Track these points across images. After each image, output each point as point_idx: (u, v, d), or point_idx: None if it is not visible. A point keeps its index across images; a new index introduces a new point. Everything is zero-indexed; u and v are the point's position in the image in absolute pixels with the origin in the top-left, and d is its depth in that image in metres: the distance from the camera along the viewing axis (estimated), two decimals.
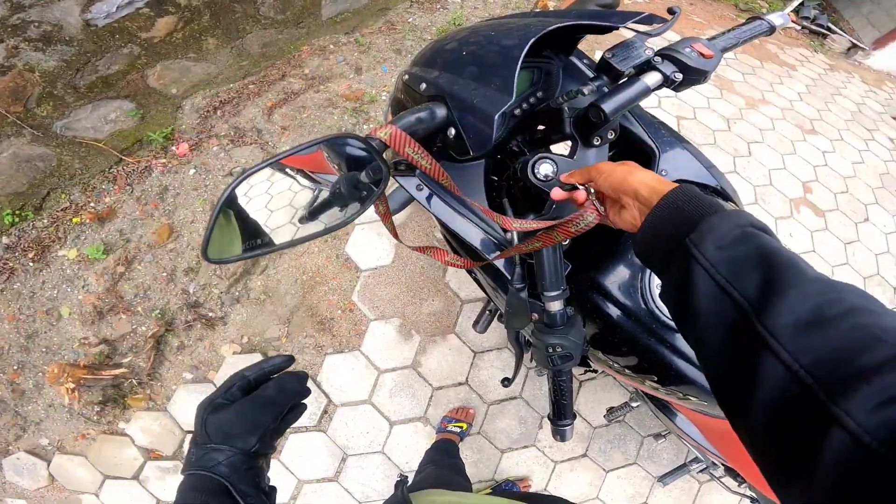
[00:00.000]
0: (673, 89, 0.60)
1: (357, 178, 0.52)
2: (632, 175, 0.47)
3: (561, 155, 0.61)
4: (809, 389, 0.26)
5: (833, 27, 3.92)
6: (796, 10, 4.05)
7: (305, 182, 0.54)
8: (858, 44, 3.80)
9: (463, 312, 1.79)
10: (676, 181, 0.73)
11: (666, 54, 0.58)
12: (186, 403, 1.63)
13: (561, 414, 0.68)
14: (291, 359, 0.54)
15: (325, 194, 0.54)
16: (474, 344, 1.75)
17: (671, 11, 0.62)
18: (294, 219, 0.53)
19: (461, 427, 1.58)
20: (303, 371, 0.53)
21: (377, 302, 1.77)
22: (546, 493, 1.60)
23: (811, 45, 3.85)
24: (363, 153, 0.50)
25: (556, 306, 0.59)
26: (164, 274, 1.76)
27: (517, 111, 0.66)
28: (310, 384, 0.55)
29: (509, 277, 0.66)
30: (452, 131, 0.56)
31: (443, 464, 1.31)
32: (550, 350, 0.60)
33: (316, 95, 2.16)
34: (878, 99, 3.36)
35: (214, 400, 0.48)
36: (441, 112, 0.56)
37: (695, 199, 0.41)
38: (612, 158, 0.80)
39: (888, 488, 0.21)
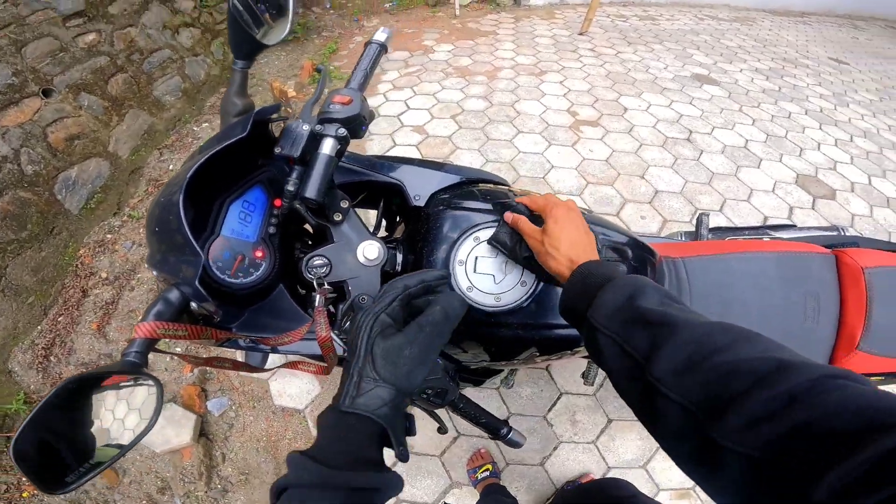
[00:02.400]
0: (358, 138, 0.62)
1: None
2: (567, 245, 0.54)
3: (326, 244, 0.65)
4: (695, 418, 0.32)
5: None
6: None
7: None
8: None
9: None
10: (457, 192, 0.72)
11: (323, 119, 0.59)
12: None
13: (495, 429, 0.68)
14: (449, 275, 0.55)
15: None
16: None
17: (317, 70, 0.65)
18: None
19: (489, 469, 1.50)
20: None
21: None
22: (606, 478, 1.55)
23: (491, 8, 4.57)
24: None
25: None
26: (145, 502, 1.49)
27: (271, 229, 0.65)
28: None
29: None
30: (194, 306, 0.52)
31: None
32: (424, 396, 0.59)
33: (132, 294, 1.86)
34: (560, 26, 4.15)
35: (379, 315, 0.43)
36: (174, 295, 0.51)
37: (590, 275, 0.49)
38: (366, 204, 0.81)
39: (780, 483, 0.26)
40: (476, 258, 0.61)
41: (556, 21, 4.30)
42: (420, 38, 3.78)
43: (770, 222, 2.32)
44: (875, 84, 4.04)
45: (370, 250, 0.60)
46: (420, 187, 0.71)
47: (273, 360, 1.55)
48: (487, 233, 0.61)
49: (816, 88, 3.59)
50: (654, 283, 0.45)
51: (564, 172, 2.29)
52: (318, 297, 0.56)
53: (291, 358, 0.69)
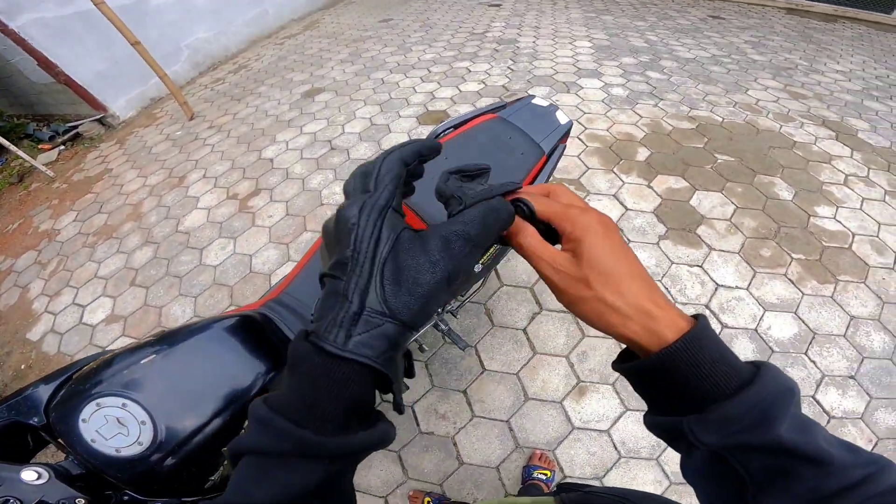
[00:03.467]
0: None
1: None
2: (634, 285, 0.32)
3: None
4: None
5: (71, 124, 4.15)
6: (36, 139, 4.03)
7: None
8: (105, 116, 4.21)
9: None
10: None
11: None
12: None
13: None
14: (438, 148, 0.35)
15: None
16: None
17: None
18: None
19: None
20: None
21: None
22: (577, 480, 1.53)
23: (85, 147, 4.01)
24: None
25: None
26: None
27: None
28: None
29: None
30: None
31: None
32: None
33: None
34: (168, 123, 3.99)
35: (386, 210, 0.31)
36: None
37: (705, 359, 0.30)
38: None
39: None
40: (97, 430, 0.65)
41: (161, 120, 4.09)
42: (33, 227, 3.08)
43: None
44: (417, 23, 5.28)
45: (28, 475, 0.60)
46: (35, 408, 0.72)
47: None
48: (88, 410, 0.65)
49: (385, 50, 4.49)
50: (794, 386, 0.31)
51: (264, 252, 2.34)
52: None
53: None
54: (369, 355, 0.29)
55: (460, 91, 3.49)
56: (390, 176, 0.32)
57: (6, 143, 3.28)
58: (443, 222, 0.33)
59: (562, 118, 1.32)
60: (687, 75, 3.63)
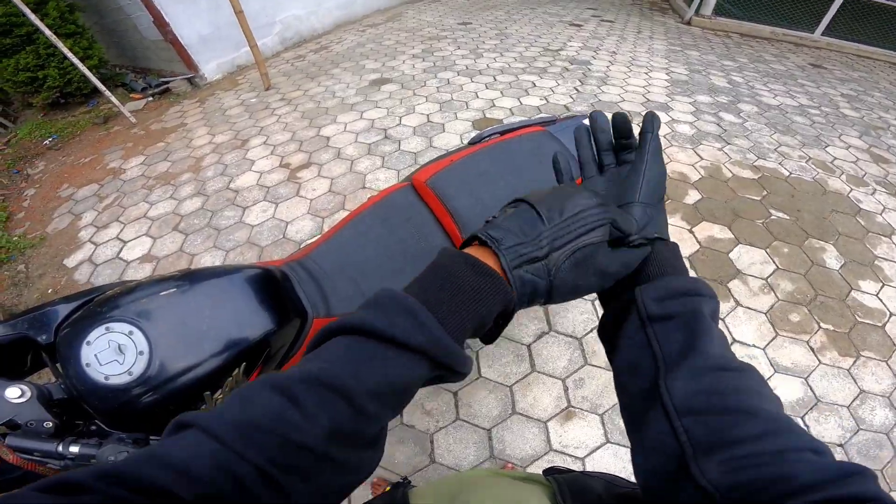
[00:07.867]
0: None
1: None
2: None
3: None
4: (682, 447, 0.30)
5: (165, 79, 4.55)
6: (130, 88, 4.46)
7: None
8: (195, 76, 4.59)
9: None
10: None
11: None
12: None
13: None
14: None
15: None
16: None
17: None
18: None
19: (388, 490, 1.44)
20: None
21: None
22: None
23: (170, 101, 4.38)
24: None
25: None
26: None
27: None
28: None
29: None
30: None
31: None
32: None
33: None
34: (246, 90, 4.27)
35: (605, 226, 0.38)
36: None
37: (665, 256, 0.42)
38: None
39: None
40: (96, 354, 0.67)
41: (241, 87, 4.38)
42: (103, 163, 3.41)
43: None
44: (494, 31, 5.32)
45: (12, 392, 0.64)
46: (48, 326, 0.74)
47: None
48: (96, 332, 0.68)
49: (458, 52, 4.56)
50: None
51: (300, 222, 2.44)
52: None
53: None
54: (518, 288, 0.34)
55: (521, 103, 3.47)
56: (607, 216, 0.38)
57: (102, 87, 3.65)
58: (619, 252, 0.39)
59: None
60: (764, 122, 3.40)
